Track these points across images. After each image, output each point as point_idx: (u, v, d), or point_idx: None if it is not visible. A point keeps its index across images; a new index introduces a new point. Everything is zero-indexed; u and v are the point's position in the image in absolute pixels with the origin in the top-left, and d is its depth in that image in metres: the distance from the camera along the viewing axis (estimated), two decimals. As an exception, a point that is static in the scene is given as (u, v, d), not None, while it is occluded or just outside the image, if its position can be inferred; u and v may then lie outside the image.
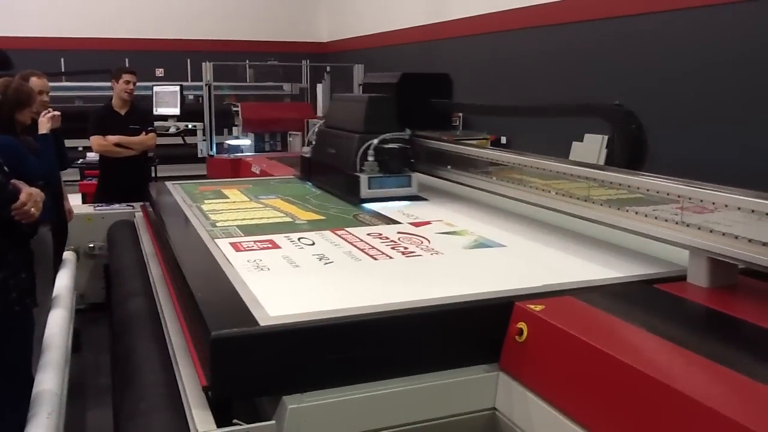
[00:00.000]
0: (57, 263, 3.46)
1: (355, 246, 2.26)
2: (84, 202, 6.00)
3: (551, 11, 6.49)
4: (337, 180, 3.29)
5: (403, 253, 2.18)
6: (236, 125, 8.21)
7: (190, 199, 3.11)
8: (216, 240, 2.34)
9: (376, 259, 2.12)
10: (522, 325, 1.67)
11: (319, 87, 8.91)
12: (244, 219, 2.68)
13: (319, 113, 8.47)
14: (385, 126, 3.18)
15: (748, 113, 4.63)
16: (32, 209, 2.56)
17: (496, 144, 6.77)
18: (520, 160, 2.63)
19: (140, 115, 5.30)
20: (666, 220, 1.93)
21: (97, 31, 10.56)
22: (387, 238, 2.37)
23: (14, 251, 2.65)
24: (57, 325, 2.66)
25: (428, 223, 2.59)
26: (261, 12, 11.61)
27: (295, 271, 2.01)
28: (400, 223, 2.62)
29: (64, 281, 3.21)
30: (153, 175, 6.70)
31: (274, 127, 7.84)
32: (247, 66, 9.90)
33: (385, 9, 9.81)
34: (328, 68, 9.06)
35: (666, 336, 1.51)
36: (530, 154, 2.60)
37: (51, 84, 4.17)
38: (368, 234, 2.41)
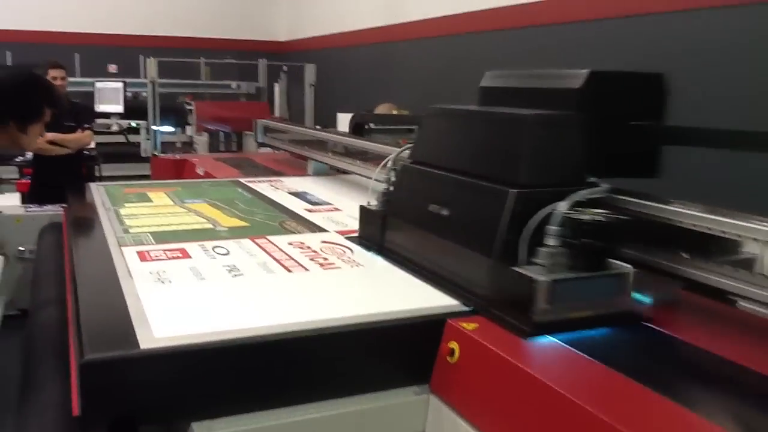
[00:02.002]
0: None
1: (273, 256, 2.10)
2: (23, 201, 5.76)
3: (513, 14, 6.38)
4: (462, 270, 1.74)
5: (322, 265, 2.03)
6: (190, 124, 8.02)
7: (110, 202, 2.92)
8: (123, 248, 2.17)
9: (290, 271, 1.97)
10: (453, 344, 1.54)
11: (276, 86, 8.75)
12: (161, 225, 2.51)
13: (276, 113, 8.30)
14: (564, 173, 1.67)
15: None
16: None
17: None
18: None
19: (76, 111, 5.08)
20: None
21: (47, 24, 10.18)
22: (309, 248, 2.22)
23: None
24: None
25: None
26: (218, 9, 11.36)
27: (199, 284, 1.85)
28: (327, 231, 2.48)
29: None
30: (97, 174, 6.49)
31: (229, 126, 7.70)
32: (202, 63, 9.68)
33: (343, 9, 9.65)
34: (284, 67, 8.88)
35: (607, 363, 1.38)
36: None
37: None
38: (289, 243, 2.26)
